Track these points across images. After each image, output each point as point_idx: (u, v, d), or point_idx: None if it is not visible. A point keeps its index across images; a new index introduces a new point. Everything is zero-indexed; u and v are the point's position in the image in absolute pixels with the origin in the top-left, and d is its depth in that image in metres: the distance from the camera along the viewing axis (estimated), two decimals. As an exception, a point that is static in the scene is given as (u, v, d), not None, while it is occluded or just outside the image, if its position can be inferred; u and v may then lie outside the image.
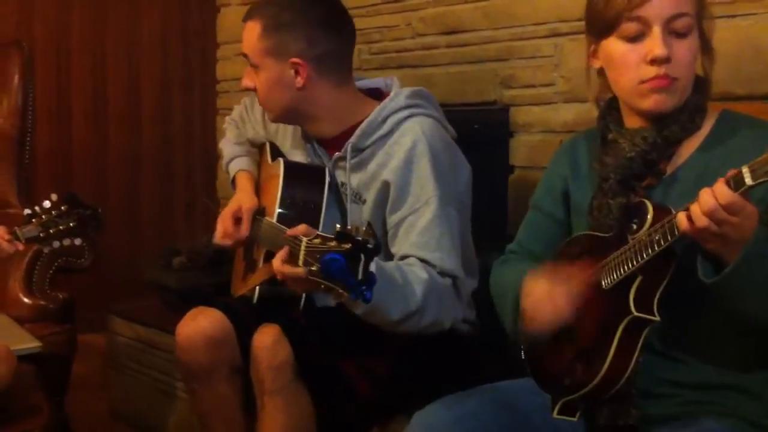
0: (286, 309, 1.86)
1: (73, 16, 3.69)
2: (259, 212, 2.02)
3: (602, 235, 1.40)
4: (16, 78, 2.63)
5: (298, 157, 2.03)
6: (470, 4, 2.44)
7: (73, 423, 2.29)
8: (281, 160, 1.98)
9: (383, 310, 1.67)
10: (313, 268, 1.37)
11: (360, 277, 1.30)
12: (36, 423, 1.84)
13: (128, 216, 3.81)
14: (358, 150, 1.91)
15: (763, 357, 1.37)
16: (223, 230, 1.99)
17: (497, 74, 2.37)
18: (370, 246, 1.30)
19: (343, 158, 1.92)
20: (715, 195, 1.15)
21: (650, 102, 1.37)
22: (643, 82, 1.36)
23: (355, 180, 1.92)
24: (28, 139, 2.65)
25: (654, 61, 1.34)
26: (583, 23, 1.49)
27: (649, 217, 1.29)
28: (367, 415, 1.88)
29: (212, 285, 2.73)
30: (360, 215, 1.91)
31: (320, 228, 1.78)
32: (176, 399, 2.67)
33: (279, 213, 1.88)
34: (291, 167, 1.97)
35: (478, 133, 2.34)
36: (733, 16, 1.87)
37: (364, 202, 1.91)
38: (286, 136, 2.09)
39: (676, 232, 1.21)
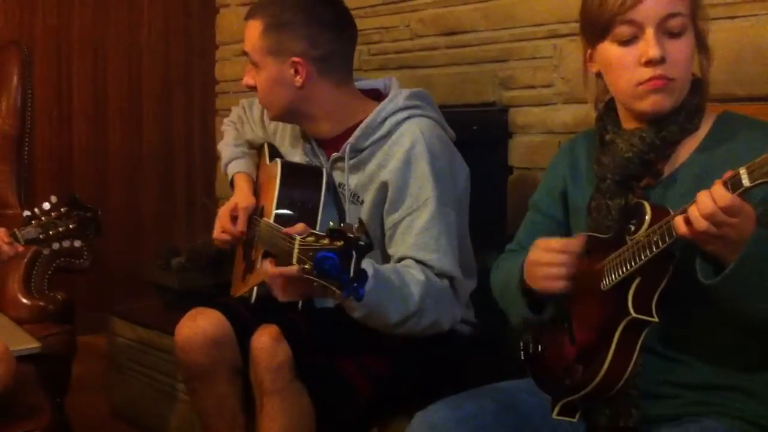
0: (285, 309, 1.86)
1: (73, 17, 3.70)
2: (258, 213, 2.02)
3: (601, 236, 1.40)
4: (15, 78, 2.63)
5: (297, 157, 2.03)
6: (469, 5, 2.45)
7: (74, 424, 2.28)
8: (279, 160, 1.99)
9: (381, 313, 1.67)
10: (306, 266, 1.37)
11: (352, 274, 1.31)
12: (37, 424, 1.84)
13: (128, 216, 3.82)
14: (356, 151, 1.91)
15: (763, 357, 1.37)
16: (220, 226, 2.01)
17: (496, 75, 2.37)
18: (361, 243, 1.31)
19: (341, 159, 1.92)
20: (713, 197, 1.15)
21: (648, 103, 1.37)
22: (639, 84, 1.36)
23: (354, 181, 1.92)
24: (27, 139, 2.65)
25: (649, 63, 1.34)
26: (582, 24, 1.49)
27: (647, 218, 1.29)
28: (366, 416, 1.88)
29: (212, 285, 2.74)
30: (358, 216, 1.91)
31: (317, 228, 1.79)
32: (177, 400, 2.68)
33: (276, 213, 1.89)
34: (288, 168, 1.97)
35: (478, 134, 2.34)
36: (734, 17, 1.87)
37: (362, 202, 1.91)
38: (284, 137, 2.10)
39: (674, 234, 1.21)
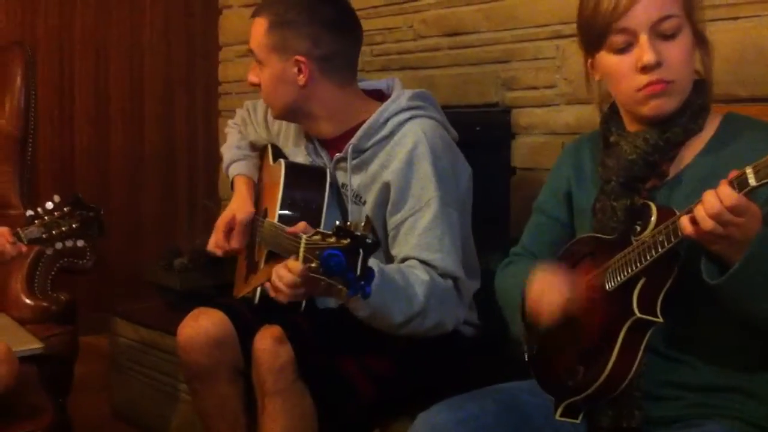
0: (288, 310, 1.85)
1: (75, 18, 3.70)
2: (261, 213, 2.02)
3: (606, 237, 1.40)
4: (19, 79, 2.63)
5: (300, 158, 2.04)
6: (472, 6, 2.45)
7: (76, 424, 2.28)
8: (282, 161, 1.99)
9: (386, 313, 1.67)
10: (313, 265, 1.37)
11: (359, 272, 1.30)
12: (39, 424, 1.84)
13: (130, 217, 3.82)
14: (359, 151, 1.91)
15: (764, 358, 1.36)
16: (214, 242, 2.03)
17: (499, 76, 2.37)
18: (368, 241, 1.30)
19: (344, 159, 1.92)
20: (719, 197, 1.15)
21: (650, 108, 1.37)
22: (639, 90, 1.36)
23: (356, 181, 1.92)
24: (30, 140, 2.65)
25: (645, 69, 1.34)
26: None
27: (653, 218, 1.29)
28: (368, 417, 1.88)
29: (214, 286, 2.74)
30: (360, 216, 1.91)
31: (321, 228, 1.79)
32: (178, 400, 2.68)
33: (280, 214, 1.89)
34: (292, 168, 1.97)
35: (480, 135, 2.34)
36: (736, 18, 1.87)
37: (365, 203, 1.91)
38: (288, 138, 2.10)
39: (680, 234, 1.21)
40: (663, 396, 1.37)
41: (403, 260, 1.81)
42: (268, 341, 1.76)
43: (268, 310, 1.86)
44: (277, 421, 1.77)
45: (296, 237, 1.47)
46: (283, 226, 1.66)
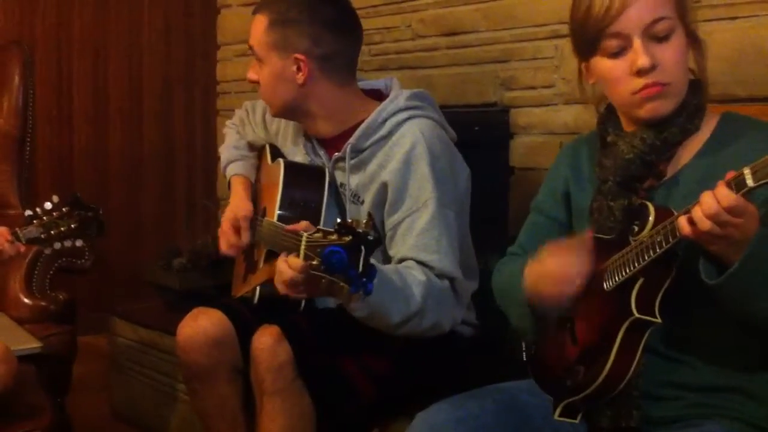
0: (287, 310, 1.86)
1: (74, 17, 3.70)
2: (260, 213, 2.02)
3: (604, 237, 1.40)
4: (17, 78, 2.63)
5: (299, 157, 2.04)
6: (470, 5, 2.45)
7: (75, 424, 2.28)
8: (281, 160, 1.99)
9: (383, 313, 1.67)
10: (314, 262, 1.37)
11: (361, 269, 1.30)
12: (37, 424, 1.84)
13: (129, 217, 3.81)
14: (357, 151, 1.91)
15: (764, 358, 1.36)
16: (226, 242, 2.02)
17: (497, 76, 2.37)
18: (370, 238, 1.30)
19: (342, 159, 1.93)
20: (717, 198, 1.15)
21: (646, 111, 1.37)
22: (635, 93, 1.36)
23: (354, 181, 1.92)
24: (29, 139, 2.65)
25: (640, 73, 1.34)
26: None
27: (651, 218, 1.29)
28: (367, 416, 1.88)
29: (213, 286, 2.74)
30: (359, 216, 1.91)
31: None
32: (177, 400, 2.68)
33: (279, 213, 1.89)
34: (291, 167, 1.97)
35: (479, 135, 2.34)
36: (735, 18, 1.87)
37: (363, 203, 1.92)
38: (286, 137, 2.10)
39: (678, 235, 1.21)
40: (662, 396, 1.37)
41: (401, 261, 1.81)
42: (266, 340, 1.76)
43: (267, 309, 1.87)
44: (275, 420, 1.77)
45: (297, 235, 1.47)
46: (283, 225, 1.66)
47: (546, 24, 2.26)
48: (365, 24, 2.02)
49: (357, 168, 1.92)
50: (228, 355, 1.91)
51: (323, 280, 1.39)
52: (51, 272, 2.48)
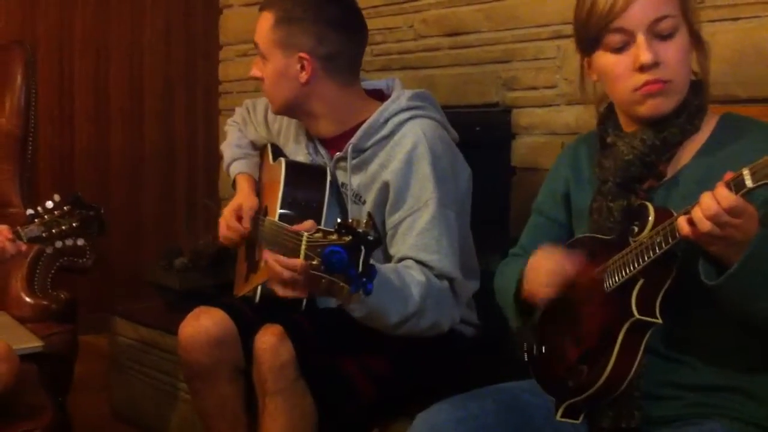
0: (289, 310, 1.86)
1: (76, 16, 3.70)
2: (262, 212, 2.02)
3: (604, 237, 1.40)
4: (19, 78, 2.63)
5: (300, 157, 2.04)
6: (473, 6, 2.45)
7: (76, 423, 2.28)
8: (283, 160, 1.99)
9: (382, 313, 1.67)
10: (314, 262, 1.37)
11: (361, 269, 1.30)
12: (38, 423, 1.84)
13: (130, 216, 3.82)
14: (359, 151, 1.91)
15: (764, 359, 1.37)
16: (225, 225, 2.01)
17: (499, 76, 2.37)
18: (370, 238, 1.30)
19: (344, 159, 1.93)
20: (717, 198, 1.15)
21: (647, 108, 1.37)
22: (636, 89, 1.36)
23: (356, 181, 1.92)
24: (31, 138, 2.65)
25: (642, 68, 1.34)
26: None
27: (651, 219, 1.29)
28: (368, 416, 1.88)
29: (214, 285, 2.74)
30: (360, 216, 1.91)
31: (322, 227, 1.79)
32: (178, 400, 2.68)
33: (281, 213, 1.89)
34: (292, 167, 1.98)
35: (480, 135, 2.34)
36: (736, 19, 1.87)
37: (364, 202, 1.92)
38: (288, 137, 2.10)
39: (678, 235, 1.21)
40: (663, 396, 1.37)
41: (401, 260, 1.81)
42: (268, 339, 1.76)
43: (269, 309, 1.87)
44: (277, 420, 1.77)
45: (297, 235, 1.47)
46: (284, 224, 1.66)
47: (548, 24, 2.26)
48: (367, 24, 2.02)
49: (358, 168, 1.92)
50: (229, 355, 1.91)
51: (323, 280, 1.39)
52: (52, 271, 2.48)
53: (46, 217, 1.78)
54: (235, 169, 2.16)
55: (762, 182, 1.11)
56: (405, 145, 1.85)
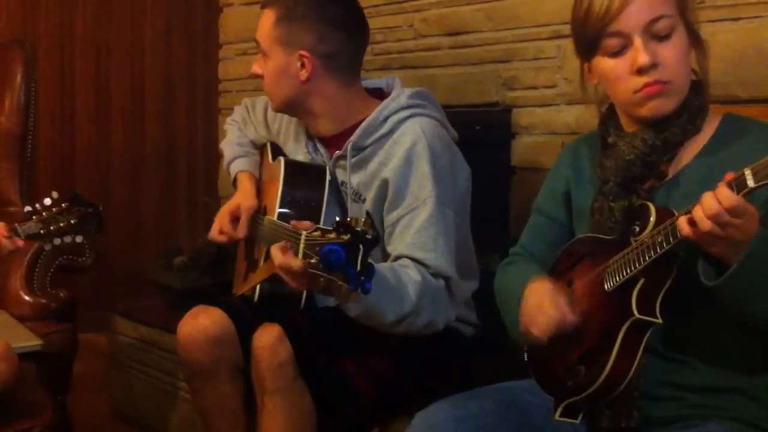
0: (287, 309, 1.86)
1: (76, 15, 3.70)
2: (261, 211, 2.02)
3: (605, 237, 1.40)
4: (19, 76, 2.63)
5: (300, 156, 2.04)
6: (473, 5, 2.44)
7: (75, 422, 2.28)
8: (282, 159, 1.99)
9: (378, 312, 1.67)
10: (312, 261, 1.37)
11: (359, 267, 1.30)
12: (38, 422, 1.83)
13: (130, 215, 3.82)
14: (358, 149, 1.91)
15: (765, 359, 1.36)
16: (218, 227, 2.01)
17: (499, 76, 2.37)
18: (369, 237, 1.30)
19: (343, 157, 1.93)
20: (718, 198, 1.15)
21: (648, 109, 1.37)
22: (636, 91, 1.36)
23: (356, 179, 1.92)
24: (31, 137, 2.65)
25: (640, 71, 1.34)
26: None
27: (652, 219, 1.29)
28: (367, 415, 1.88)
29: (214, 284, 2.74)
30: (360, 214, 1.91)
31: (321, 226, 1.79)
32: (178, 398, 2.68)
33: (280, 212, 1.89)
34: (292, 166, 1.98)
35: (480, 135, 2.34)
36: (737, 19, 1.87)
37: (364, 201, 1.92)
38: (288, 136, 2.10)
39: (679, 235, 1.21)
40: (662, 396, 1.37)
41: (397, 258, 1.81)
42: (267, 338, 1.76)
43: (267, 308, 1.87)
44: (276, 419, 1.76)
45: (296, 233, 1.47)
46: (283, 223, 1.66)
47: (548, 24, 2.25)
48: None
49: (358, 166, 1.92)
50: (228, 354, 1.91)
51: (321, 279, 1.39)
52: (52, 270, 2.48)
53: (44, 214, 1.77)
54: (236, 167, 2.15)
55: (763, 182, 1.11)
56: (404, 143, 1.85)
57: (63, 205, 1.78)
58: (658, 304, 1.29)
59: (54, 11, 3.65)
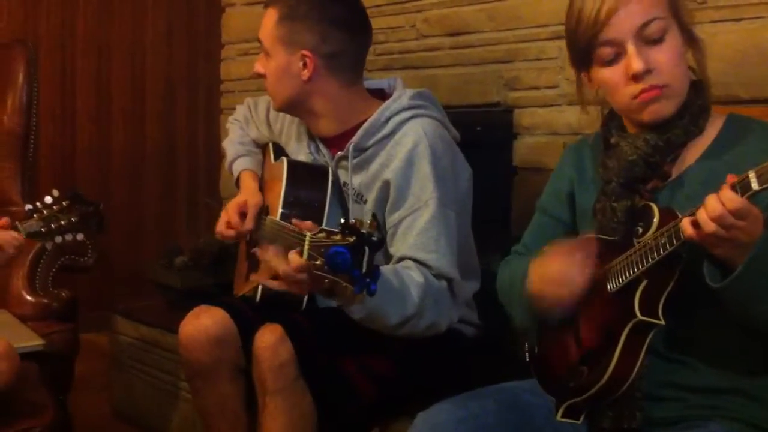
0: (289, 309, 1.86)
1: (78, 15, 3.71)
2: (263, 211, 2.02)
3: (608, 238, 1.40)
4: (21, 76, 2.63)
5: (302, 156, 2.04)
6: (475, 5, 2.44)
7: (76, 422, 2.28)
8: (285, 159, 1.99)
9: (381, 314, 1.67)
10: (317, 262, 1.37)
11: (364, 269, 1.30)
12: (39, 421, 1.83)
13: (131, 215, 3.82)
14: (360, 150, 1.91)
15: (766, 360, 1.36)
16: (226, 220, 2.00)
17: (501, 76, 2.37)
18: (374, 239, 1.30)
19: (345, 158, 1.93)
20: (722, 200, 1.15)
21: (648, 114, 1.37)
22: (634, 98, 1.36)
23: (357, 180, 1.92)
24: (32, 137, 2.65)
25: (636, 78, 1.34)
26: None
27: (655, 220, 1.29)
28: (368, 416, 1.88)
29: (215, 284, 2.74)
30: (361, 215, 1.91)
31: (323, 227, 1.79)
32: (179, 399, 2.68)
33: (282, 212, 1.89)
34: (294, 166, 1.98)
35: (482, 135, 2.34)
36: (739, 20, 1.87)
37: (366, 202, 1.92)
38: (290, 136, 2.10)
39: (682, 237, 1.21)
40: (664, 397, 1.37)
41: (400, 259, 1.81)
42: (268, 339, 1.76)
43: (269, 308, 1.86)
44: (277, 419, 1.76)
45: (301, 234, 1.47)
46: (286, 223, 1.66)
47: (550, 24, 2.25)
48: (370, 24, 2.03)
49: (360, 167, 1.92)
50: (230, 354, 1.91)
51: (326, 280, 1.39)
52: (54, 270, 2.48)
53: (45, 212, 1.77)
54: (239, 165, 2.15)
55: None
56: (406, 144, 1.85)
57: (64, 203, 1.78)
58: (660, 306, 1.29)
59: (55, 11, 3.65)
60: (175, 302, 2.82)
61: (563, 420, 1.40)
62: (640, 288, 1.29)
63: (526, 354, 1.51)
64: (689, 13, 1.41)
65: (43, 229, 1.76)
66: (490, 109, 2.41)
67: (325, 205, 1.90)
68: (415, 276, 1.75)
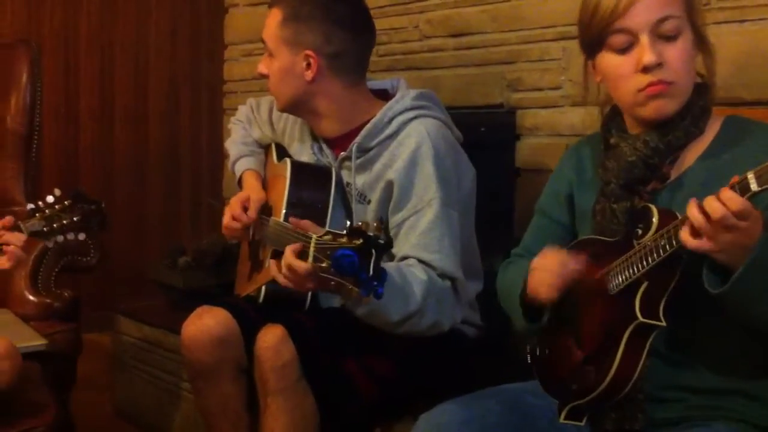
0: (291, 309, 1.86)
1: (81, 15, 3.71)
2: (266, 212, 2.02)
3: (607, 239, 1.40)
4: (24, 76, 2.63)
5: (305, 157, 2.04)
6: (478, 6, 2.45)
7: (78, 422, 2.27)
8: (288, 160, 1.99)
9: (383, 311, 1.67)
10: (323, 265, 1.37)
11: (371, 272, 1.30)
12: (41, 421, 1.83)
13: (134, 215, 3.83)
14: (363, 150, 1.91)
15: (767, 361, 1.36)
16: (230, 214, 2.00)
17: (504, 77, 2.37)
18: (381, 242, 1.30)
19: (348, 158, 1.93)
20: (723, 201, 1.15)
21: (650, 109, 1.37)
22: (639, 90, 1.36)
23: (360, 180, 1.92)
24: (36, 137, 2.65)
25: (646, 69, 1.34)
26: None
27: (655, 221, 1.29)
28: (370, 416, 1.88)
29: (217, 285, 2.74)
30: (365, 216, 1.91)
31: (327, 227, 1.79)
32: (181, 399, 2.68)
33: (286, 213, 1.89)
34: (298, 167, 1.98)
35: (485, 136, 2.34)
36: (742, 21, 1.87)
37: (369, 202, 1.92)
38: (293, 137, 2.10)
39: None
40: (666, 398, 1.37)
41: (403, 259, 1.81)
42: (271, 339, 1.76)
43: (271, 308, 1.87)
44: (279, 420, 1.77)
45: (306, 236, 1.47)
46: (290, 225, 1.66)
47: (553, 26, 2.25)
48: (373, 25, 2.03)
49: (363, 167, 1.92)
50: (232, 354, 1.91)
51: (332, 282, 1.39)
52: (56, 269, 2.48)
53: (47, 211, 1.77)
54: (242, 165, 2.15)
55: (767, 186, 1.11)
56: (409, 144, 1.85)
57: (66, 202, 1.78)
58: (661, 307, 1.28)
59: (59, 11, 3.65)
60: (177, 302, 2.82)
61: (566, 422, 1.40)
62: (641, 290, 1.29)
63: (528, 355, 1.51)
64: (703, 18, 1.41)
65: (45, 228, 1.76)
66: (493, 110, 2.41)
67: (328, 206, 1.90)
68: (418, 273, 1.75)
